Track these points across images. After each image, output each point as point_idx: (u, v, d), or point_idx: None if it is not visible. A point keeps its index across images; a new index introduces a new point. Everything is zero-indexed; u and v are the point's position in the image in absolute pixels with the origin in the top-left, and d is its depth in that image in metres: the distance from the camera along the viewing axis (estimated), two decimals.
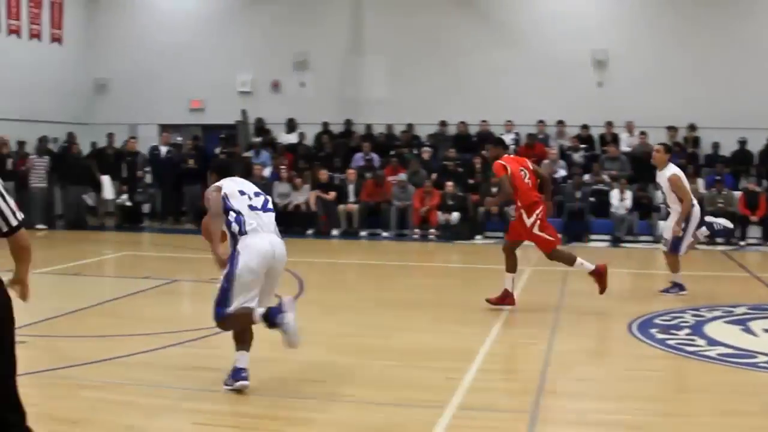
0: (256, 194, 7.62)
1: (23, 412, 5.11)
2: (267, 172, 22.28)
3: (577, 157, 22.36)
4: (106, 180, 22.51)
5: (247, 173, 22.15)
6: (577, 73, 23.03)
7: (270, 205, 7.67)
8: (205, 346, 9.11)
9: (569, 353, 9.12)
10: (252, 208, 7.46)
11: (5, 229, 5.09)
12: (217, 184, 7.58)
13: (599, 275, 11.20)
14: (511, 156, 11.83)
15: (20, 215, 5.16)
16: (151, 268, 15.17)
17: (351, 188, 21.61)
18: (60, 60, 24.94)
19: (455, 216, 20.41)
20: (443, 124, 23.65)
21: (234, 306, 7.24)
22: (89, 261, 16.52)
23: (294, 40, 24.35)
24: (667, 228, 12.61)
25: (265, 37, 24.72)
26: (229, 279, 7.27)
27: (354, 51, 24.37)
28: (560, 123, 23.25)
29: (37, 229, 20.75)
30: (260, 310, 7.25)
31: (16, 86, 22.74)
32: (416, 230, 20.78)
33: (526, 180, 11.15)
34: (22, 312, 9.17)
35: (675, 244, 12.36)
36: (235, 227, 7.33)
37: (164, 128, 24.99)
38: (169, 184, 23.32)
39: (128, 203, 22.66)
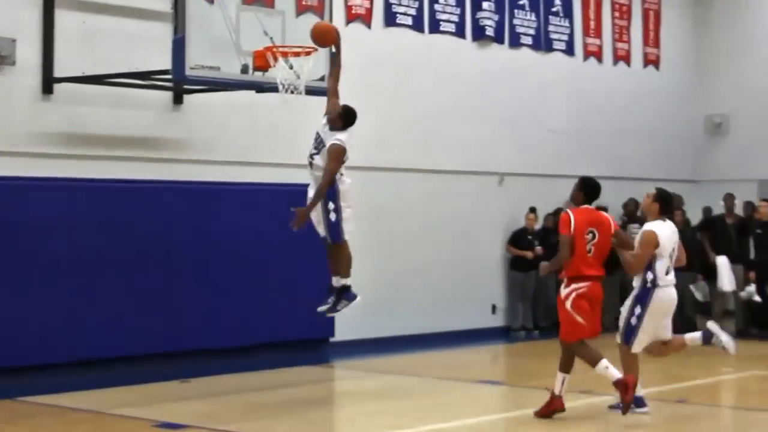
0: None
1: None
2: None
3: None
4: (722, 263, 17.31)
5: None
6: None
7: None
8: None
9: None
10: None
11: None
12: None
13: (624, 387, 9.51)
14: (590, 207, 9.84)
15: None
16: None
17: None
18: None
19: None
20: None
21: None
22: (703, 382, 12.80)
23: None
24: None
25: None
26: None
27: None
28: None
29: None
30: None
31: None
32: None
33: (590, 246, 9.55)
34: None
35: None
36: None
37: None
38: None
39: (756, 298, 17.21)
